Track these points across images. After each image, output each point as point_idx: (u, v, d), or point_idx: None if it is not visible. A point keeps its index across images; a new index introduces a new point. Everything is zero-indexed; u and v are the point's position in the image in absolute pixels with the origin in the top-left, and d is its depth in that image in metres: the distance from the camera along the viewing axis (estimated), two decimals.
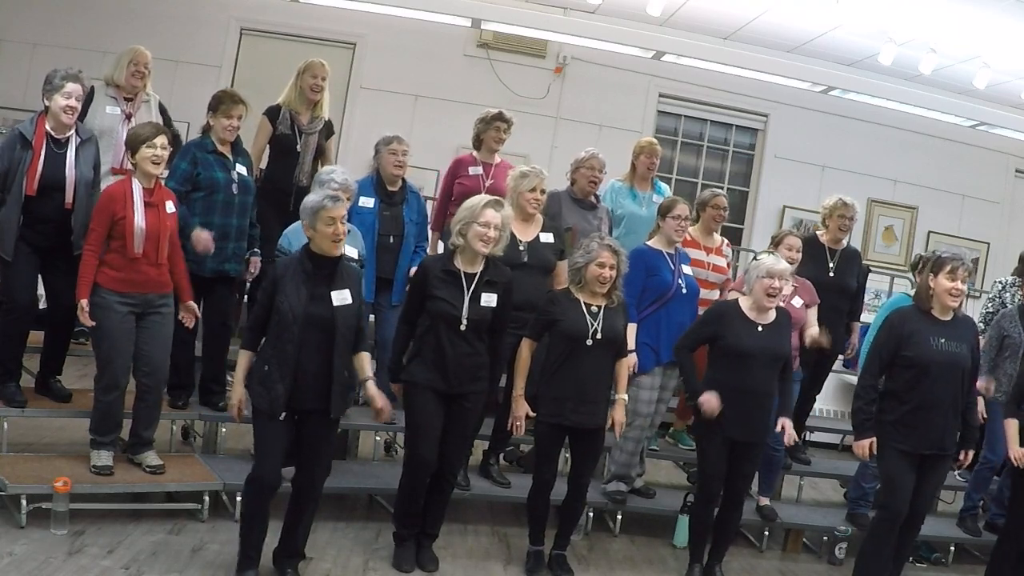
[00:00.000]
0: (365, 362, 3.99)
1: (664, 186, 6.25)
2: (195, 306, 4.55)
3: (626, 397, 4.50)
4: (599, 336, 4.27)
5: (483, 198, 4.22)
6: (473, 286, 4.18)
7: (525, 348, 4.40)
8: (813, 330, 5.20)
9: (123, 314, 4.26)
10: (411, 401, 4.24)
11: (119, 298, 4.25)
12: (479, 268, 4.21)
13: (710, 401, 4.39)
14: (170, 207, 4.37)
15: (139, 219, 4.22)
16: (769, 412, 4.52)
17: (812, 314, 5.31)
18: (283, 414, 3.72)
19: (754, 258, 4.72)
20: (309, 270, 3.78)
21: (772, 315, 4.52)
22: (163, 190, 4.40)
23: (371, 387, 3.96)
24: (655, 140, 6.12)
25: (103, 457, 4.36)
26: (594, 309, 4.30)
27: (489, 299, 4.20)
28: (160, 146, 4.26)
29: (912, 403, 4.35)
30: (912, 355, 4.33)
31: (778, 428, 4.59)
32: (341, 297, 3.79)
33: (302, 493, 3.93)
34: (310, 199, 3.81)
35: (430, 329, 4.18)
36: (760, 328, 4.46)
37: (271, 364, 3.74)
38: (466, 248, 4.18)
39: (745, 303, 4.53)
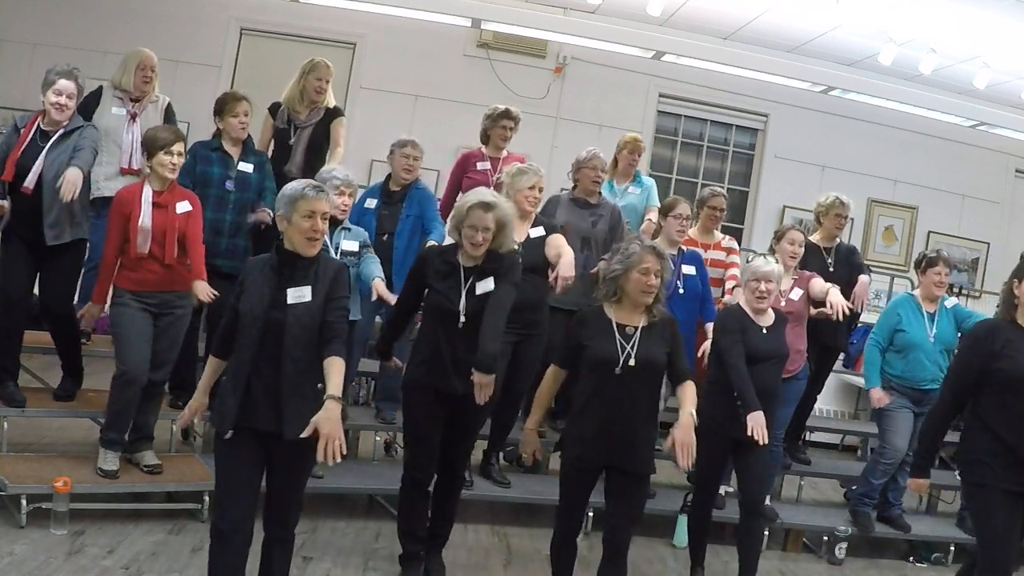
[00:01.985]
0: (333, 370, 3.13)
1: (647, 179, 6.21)
2: (204, 287, 4.30)
3: (693, 413, 3.67)
4: (632, 363, 3.66)
5: (472, 198, 3.94)
6: (471, 280, 3.92)
7: (549, 375, 3.91)
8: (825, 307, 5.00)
9: (137, 310, 4.27)
10: (408, 406, 4.06)
11: (134, 297, 4.28)
12: (479, 262, 3.94)
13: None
14: (183, 207, 4.35)
15: (144, 219, 4.24)
16: (776, 409, 4.46)
17: (817, 283, 5.16)
18: (230, 432, 3.14)
19: (749, 260, 4.70)
20: (276, 267, 3.25)
21: (771, 317, 4.52)
22: (178, 191, 4.39)
23: (329, 405, 3.09)
24: (639, 136, 6.15)
25: (110, 460, 4.37)
26: (629, 330, 3.71)
27: (485, 285, 3.91)
28: (177, 153, 4.29)
29: (1015, 429, 3.59)
30: (1008, 370, 3.63)
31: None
32: (297, 295, 3.20)
33: (266, 536, 3.31)
34: (289, 186, 3.33)
35: (428, 325, 3.99)
36: (764, 330, 4.46)
37: (227, 374, 3.27)
38: (461, 245, 3.96)
39: (747, 307, 4.52)
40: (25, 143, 4.40)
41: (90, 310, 4.43)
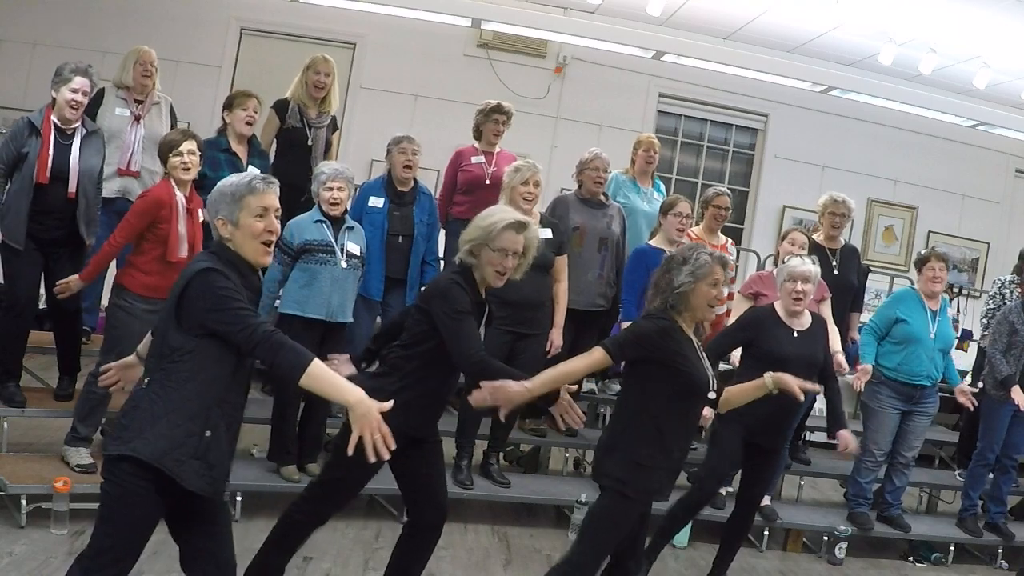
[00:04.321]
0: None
1: (663, 186, 6.32)
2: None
3: None
4: (715, 387, 3.35)
5: (505, 216, 3.29)
6: (486, 314, 3.35)
7: (597, 361, 3.25)
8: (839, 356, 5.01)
9: (141, 315, 4.20)
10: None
11: (146, 305, 4.21)
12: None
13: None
14: (203, 215, 4.35)
15: (182, 226, 4.25)
16: (796, 419, 4.32)
17: (825, 309, 5.17)
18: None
19: (781, 261, 4.52)
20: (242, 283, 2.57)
21: (807, 321, 4.38)
22: (197, 198, 4.39)
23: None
24: (653, 136, 6.21)
25: (83, 455, 4.38)
26: (699, 349, 3.33)
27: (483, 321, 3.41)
28: (187, 151, 4.26)
29: None
30: None
31: (841, 445, 4.38)
32: None
33: None
34: (229, 181, 2.66)
35: (432, 374, 3.26)
36: (796, 334, 4.34)
37: (217, 428, 2.58)
38: (478, 270, 3.28)
39: (780, 309, 4.41)
40: (52, 144, 4.37)
41: (73, 283, 4.29)
